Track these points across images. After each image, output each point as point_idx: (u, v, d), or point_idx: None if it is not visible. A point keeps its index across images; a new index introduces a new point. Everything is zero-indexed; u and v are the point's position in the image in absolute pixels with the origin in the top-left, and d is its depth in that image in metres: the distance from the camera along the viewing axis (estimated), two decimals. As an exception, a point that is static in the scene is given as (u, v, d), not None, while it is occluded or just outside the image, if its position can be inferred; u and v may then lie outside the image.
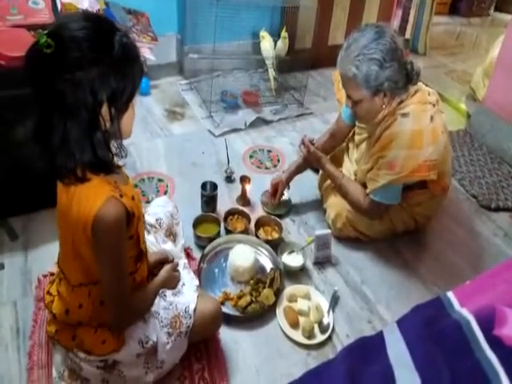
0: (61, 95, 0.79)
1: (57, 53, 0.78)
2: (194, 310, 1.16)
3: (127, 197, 0.93)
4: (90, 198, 0.87)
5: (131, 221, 0.94)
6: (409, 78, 1.41)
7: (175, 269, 1.18)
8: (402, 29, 3.36)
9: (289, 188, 1.84)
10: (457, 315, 0.87)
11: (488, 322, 0.81)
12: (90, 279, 1.00)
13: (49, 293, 1.11)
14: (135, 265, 1.05)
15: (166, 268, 1.14)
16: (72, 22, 0.81)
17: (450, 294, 0.94)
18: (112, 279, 0.95)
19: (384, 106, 1.43)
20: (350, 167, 1.79)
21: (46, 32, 0.78)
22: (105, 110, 0.84)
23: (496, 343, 0.78)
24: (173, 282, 1.17)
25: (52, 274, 1.14)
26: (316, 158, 1.69)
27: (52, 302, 1.09)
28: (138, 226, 1.00)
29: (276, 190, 1.79)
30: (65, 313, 1.04)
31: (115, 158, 0.91)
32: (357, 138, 1.72)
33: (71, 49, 0.78)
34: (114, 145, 0.90)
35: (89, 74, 0.79)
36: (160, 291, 1.14)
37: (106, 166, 0.88)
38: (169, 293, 1.18)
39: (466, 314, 0.86)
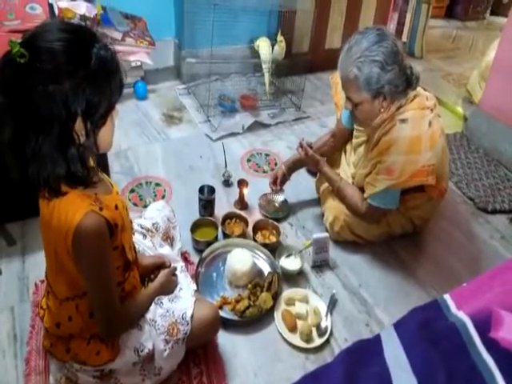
0: (34, 106, 0.76)
1: (30, 63, 0.75)
2: (192, 316, 1.15)
3: (108, 208, 0.91)
4: (69, 212, 0.85)
5: (114, 232, 0.92)
6: (409, 82, 1.41)
7: (173, 274, 1.17)
8: (399, 32, 3.38)
9: (289, 178, 1.84)
10: (453, 318, 0.88)
11: (484, 325, 0.82)
12: (75, 293, 0.98)
13: (41, 307, 1.11)
14: (123, 275, 1.04)
15: (164, 272, 1.14)
16: (48, 32, 0.78)
17: (447, 297, 0.95)
18: (98, 292, 0.94)
19: (383, 110, 1.43)
20: (347, 169, 1.79)
21: (20, 41, 0.76)
22: (79, 123, 0.81)
23: (492, 346, 0.79)
24: (170, 288, 1.17)
25: (40, 304, 1.14)
26: (314, 161, 1.69)
27: (43, 316, 1.09)
28: (123, 236, 0.98)
29: (276, 177, 1.80)
30: (55, 326, 1.04)
31: (93, 171, 0.89)
32: (354, 141, 1.72)
33: (45, 60, 0.75)
34: (91, 158, 0.89)
35: (62, 86, 0.76)
36: (156, 298, 1.14)
37: (80, 181, 0.86)
38: (165, 299, 1.17)
39: (463, 316, 0.86)
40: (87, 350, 1.03)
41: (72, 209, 0.85)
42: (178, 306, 1.16)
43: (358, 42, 1.35)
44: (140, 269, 1.16)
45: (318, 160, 1.69)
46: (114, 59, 0.84)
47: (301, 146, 1.69)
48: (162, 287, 1.12)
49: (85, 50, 0.79)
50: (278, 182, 1.80)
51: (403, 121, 1.42)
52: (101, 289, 0.94)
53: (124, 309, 1.02)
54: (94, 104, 0.81)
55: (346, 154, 1.86)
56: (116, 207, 0.95)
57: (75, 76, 0.77)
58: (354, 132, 1.72)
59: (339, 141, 1.85)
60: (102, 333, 1.02)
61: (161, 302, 1.16)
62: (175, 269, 1.19)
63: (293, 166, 1.84)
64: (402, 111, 1.44)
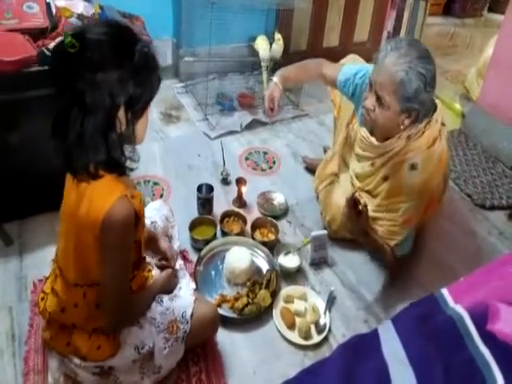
0: (80, 94, 0.82)
1: (80, 53, 0.81)
2: (191, 315, 1.15)
3: (135, 199, 0.95)
4: (103, 194, 0.89)
5: (138, 223, 0.95)
6: (429, 111, 1.36)
7: (174, 275, 1.20)
8: (396, 30, 3.38)
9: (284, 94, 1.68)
10: (451, 311, 0.88)
11: (481, 318, 0.82)
12: (85, 280, 1.00)
13: (43, 291, 1.11)
14: (132, 271, 1.06)
15: (167, 273, 1.16)
16: (97, 27, 0.85)
17: (444, 291, 0.95)
18: (115, 278, 0.96)
19: (402, 127, 1.33)
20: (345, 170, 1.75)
21: (71, 33, 0.82)
22: (121, 113, 0.87)
23: (489, 338, 0.79)
24: (170, 289, 1.19)
25: (40, 296, 1.14)
26: (363, 228, 1.40)
27: (43, 300, 1.09)
28: (141, 232, 1.02)
29: (273, 101, 1.64)
30: (60, 311, 1.04)
31: (128, 162, 0.93)
32: (359, 151, 1.57)
33: (94, 51, 0.82)
34: (127, 148, 0.93)
35: (109, 76, 0.83)
36: (157, 297, 1.15)
37: (118, 167, 0.91)
38: (165, 298, 1.17)
39: (460, 310, 0.87)
40: (88, 343, 1.03)
41: (107, 191, 0.89)
42: (178, 305, 1.17)
43: (409, 46, 1.26)
44: (152, 246, 1.21)
45: (367, 229, 1.41)
46: (154, 57, 0.90)
47: (355, 201, 1.31)
48: (163, 287, 1.15)
49: (129, 46, 0.86)
50: (276, 108, 1.64)
51: (413, 166, 1.36)
52: (118, 276, 0.96)
53: (133, 301, 1.05)
54: (136, 96, 0.87)
55: (344, 159, 1.74)
56: (140, 202, 0.99)
57: (121, 68, 0.84)
58: (359, 143, 1.56)
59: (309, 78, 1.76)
60: (108, 324, 1.02)
61: (161, 300, 1.17)
62: (177, 271, 1.23)
63: (288, 81, 1.68)
64: (412, 149, 1.37)
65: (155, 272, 1.24)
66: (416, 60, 1.24)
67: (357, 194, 1.35)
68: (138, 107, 0.89)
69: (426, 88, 1.25)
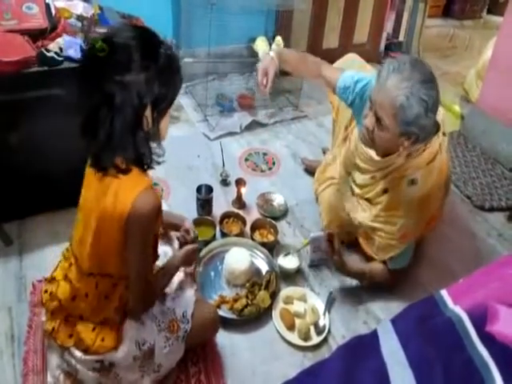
0: (110, 95, 0.87)
1: (109, 56, 0.87)
2: (192, 315, 1.17)
3: (158, 194, 1.00)
4: (130, 186, 0.94)
5: (158, 215, 1.00)
6: (430, 135, 1.32)
7: (194, 251, 1.24)
8: (396, 31, 3.39)
9: (278, 76, 1.61)
10: (450, 313, 0.88)
11: (480, 319, 0.82)
12: (100, 270, 1.03)
13: (53, 278, 1.12)
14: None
15: (187, 249, 1.21)
16: (124, 31, 0.91)
17: (444, 293, 0.95)
18: (140, 264, 1.01)
19: (401, 149, 1.30)
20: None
21: (101, 38, 0.88)
22: (148, 112, 0.92)
23: (488, 339, 0.79)
24: (191, 262, 1.26)
25: (48, 280, 1.14)
26: (341, 264, 1.49)
27: (46, 293, 1.10)
28: (160, 225, 1.09)
29: (267, 74, 1.56)
30: (71, 299, 1.06)
31: (154, 156, 0.99)
32: (359, 162, 1.53)
33: (122, 54, 0.88)
34: (153, 144, 0.98)
35: (137, 78, 0.88)
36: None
37: (145, 162, 0.96)
38: (168, 297, 1.19)
39: (459, 311, 0.87)
40: (92, 335, 1.04)
41: (134, 182, 0.95)
42: (179, 304, 1.18)
43: (411, 70, 1.20)
44: (164, 224, 1.29)
45: (344, 262, 1.49)
46: (177, 59, 0.96)
47: (330, 236, 1.47)
48: (185, 262, 1.20)
49: (155, 49, 0.91)
50: (269, 83, 1.56)
51: (412, 182, 1.34)
52: (143, 262, 1.01)
53: (156, 280, 1.11)
54: (161, 96, 0.93)
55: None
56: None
57: (148, 70, 0.89)
58: (359, 155, 1.52)
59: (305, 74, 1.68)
60: (134, 308, 1.07)
61: (163, 299, 1.18)
62: (196, 247, 1.26)
63: (282, 56, 1.59)
64: (412, 166, 1.35)
65: (176, 244, 1.33)
66: (418, 84, 1.18)
67: (334, 233, 1.47)
68: (162, 106, 0.95)
69: (427, 114, 1.20)
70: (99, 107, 0.89)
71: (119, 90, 0.87)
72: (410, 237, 1.44)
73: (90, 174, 1.02)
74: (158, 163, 1.00)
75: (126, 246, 0.97)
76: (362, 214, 1.52)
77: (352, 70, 1.54)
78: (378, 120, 1.26)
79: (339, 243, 1.48)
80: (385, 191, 1.43)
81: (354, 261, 1.55)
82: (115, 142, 0.90)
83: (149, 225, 0.97)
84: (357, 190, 1.55)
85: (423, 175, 1.35)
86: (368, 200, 1.51)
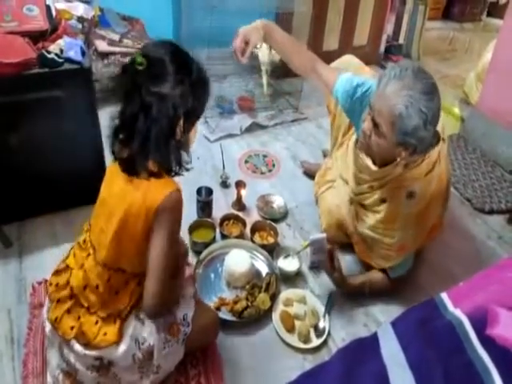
0: (148, 105, 0.93)
1: (147, 70, 0.93)
2: (192, 317, 1.17)
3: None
4: (160, 186, 0.99)
5: (181, 218, 1.05)
6: (429, 147, 1.29)
7: (191, 276, 1.30)
8: (396, 34, 3.40)
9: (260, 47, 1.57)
10: (450, 316, 0.88)
11: (481, 323, 0.82)
12: (114, 264, 1.05)
13: (67, 266, 1.12)
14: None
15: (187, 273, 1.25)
16: (160, 47, 0.97)
17: (444, 296, 0.95)
18: (162, 263, 1.01)
19: (398, 159, 1.28)
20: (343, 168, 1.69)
21: (140, 53, 0.95)
22: (180, 123, 0.98)
23: (488, 343, 0.79)
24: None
25: (57, 271, 1.14)
26: (341, 280, 1.49)
27: (51, 285, 1.10)
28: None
29: (247, 41, 1.51)
30: (83, 287, 1.06)
31: (184, 164, 1.05)
32: (355, 171, 1.52)
33: (158, 68, 0.94)
34: (183, 152, 1.04)
35: (174, 91, 0.94)
36: None
37: (176, 169, 1.02)
38: None
39: (459, 314, 0.87)
40: (95, 328, 1.05)
41: (164, 184, 1.00)
42: (179, 307, 1.17)
43: (413, 79, 1.15)
44: None
45: (344, 279, 1.49)
46: (206, 74, 1.02)
47: (332, 255, 1.46)
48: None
49: (188, 64, 0.98)
50: (247, 53, 1.55)
51: (411, 195, 1.32)
52: (166, 262, 1.01)
53: (178, 275, 1.15)
54: (193, 108, 0.99)
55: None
56: None
57: (183, 83, 0.95)
58: (355, 163, 1.51)
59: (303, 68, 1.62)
60: (152, 307, 1.03)
61: None
62: (191, 274, 1.33)
63: (272, 26, 1.57)
64: (410, 177, 1.32)
65: None
66: (419, 95, 1.14)
67: (335, 250, 1.46)
68: (193, 118, 1.02)
69: (426, 126, 1.16)
70: (136, 116, 0.94)
71: (156, 101, 0.93)
72: (409, 249, 1.44)
73: (112, 172, 1.06)
74: (187, 170, 1.06)
75: (152, 236, 1.00)
76: (361, 223, 1.51)
77: (349, 71, 1.51)
78: (376, 126, 1.23)
79: (339, 262, 1.47)
80: (383, 201, 1.41)
81: (353, 277, 1.54)
82: (150, 149, 0.96)
83: (178, 215, 1.02)
84: (354, 197, 1.53)
85: (422, 187, 1.32)
86: (365, 207, 1.49)
